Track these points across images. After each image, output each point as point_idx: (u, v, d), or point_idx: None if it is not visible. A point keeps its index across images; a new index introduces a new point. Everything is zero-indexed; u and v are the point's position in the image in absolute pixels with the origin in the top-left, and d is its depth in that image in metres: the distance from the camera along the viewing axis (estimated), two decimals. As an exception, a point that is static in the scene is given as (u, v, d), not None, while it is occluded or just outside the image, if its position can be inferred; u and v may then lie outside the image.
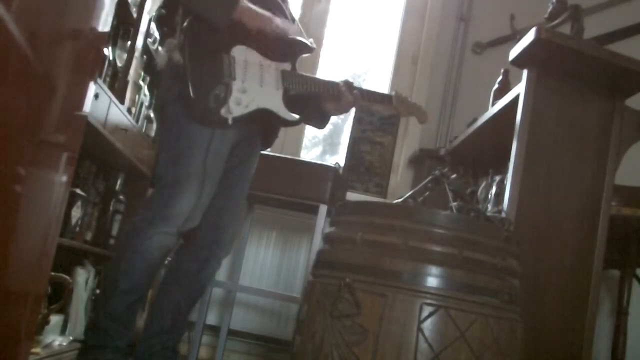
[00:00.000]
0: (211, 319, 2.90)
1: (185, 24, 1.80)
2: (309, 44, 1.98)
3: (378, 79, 3.59)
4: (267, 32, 1.82)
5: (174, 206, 1.78)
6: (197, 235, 1.92)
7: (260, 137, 2.02)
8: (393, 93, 2.00)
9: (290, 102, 1.91)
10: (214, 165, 1.83)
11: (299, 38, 1.98)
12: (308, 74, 1.97)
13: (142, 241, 1.77)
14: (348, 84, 1.95)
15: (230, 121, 1.77)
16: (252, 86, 1.84)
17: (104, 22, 1.18)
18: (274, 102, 1.88)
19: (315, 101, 2.00)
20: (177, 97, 1.80)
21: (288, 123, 1.94)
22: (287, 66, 1.93)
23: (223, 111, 1.76)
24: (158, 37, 2.66)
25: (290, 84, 1.90)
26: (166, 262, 2.01)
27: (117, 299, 1.77)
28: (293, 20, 2.05)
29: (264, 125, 1.97)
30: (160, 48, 2.65)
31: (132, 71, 2.48)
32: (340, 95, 1.94)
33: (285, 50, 1.93)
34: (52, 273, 1.85)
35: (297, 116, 1.92)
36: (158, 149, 1.94)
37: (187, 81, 1.74)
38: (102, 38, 1.30)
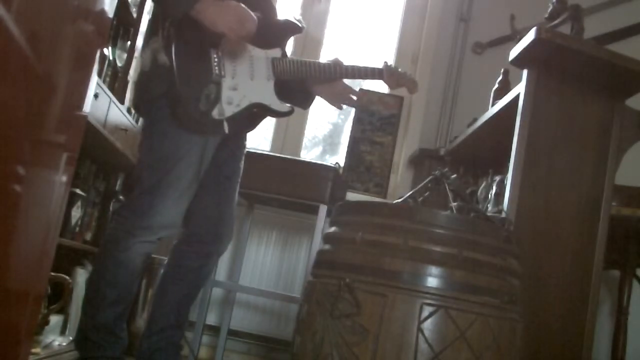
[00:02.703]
0: (211, 319, 2.90)
1: (168, 22, 1.72)
2: (297, 23, 1.93)
3: (378, 79, 3.59)
4: (222, 30, 1.66)
5: (155, 215, 1.73)
6: (198, 232, 1.90)
7: (248, 123, 1.96)
8: (382, 66, 1.96)
9: (279, 87, 1.86)
10: (202, 172, 1.79)
11: (287, 18, 1.93)
12: (297, 58, 1.91)
13: (122, 252, 1.74)
14: (339, 63, 1.91)
15: (226, 129, 1.72)
16: (243, 81, 1.78)
17: (104, 22, 1.18)
18: (266, 94, 1.82)
19: (303, 83, 1.96)
20: (163, 96, 1.72)
21: (281, 114, 1.90)
22: (277, 52, 1.86)
23: (215, 113, 1.71)
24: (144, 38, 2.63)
25: (281, 73, 1.84)
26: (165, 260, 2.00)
27: (105, 311, 1.74)
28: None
29: (253, 115, 1.91)
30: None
31: (132, 71, 2.48)
32: (331, 76, 1.90)
33: (274, 34, 1.88)
34: (52, 273, 1.85)
35: (289, 106, 1.88)
36: (140, 148, 1.86)
37: (175, 84, 1.67)
38: (102, 38, 1.30)
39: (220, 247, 1.96)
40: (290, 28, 1.93)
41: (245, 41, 1.75)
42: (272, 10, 1.92)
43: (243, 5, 1.68)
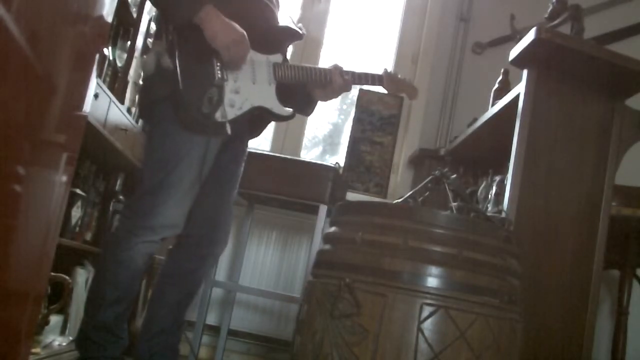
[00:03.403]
0: (211, 319, 2.90)
1: (171, 26, 1.74)
2: (298, 30, 1.94)
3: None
4: (218, 48, 1.71)
5: (157, 215, 1.74)
6: (194, 234, 1.91)
7: (250, 129, 1.98)
8: (382, 72, 1.97)
9: (281, 93, 1.88)
10: (204, 173, 1.80)
11: (288, 25, 1.95)
12: (298, 64, 1.93)
13: (124, 251, 1.74)
14: (338, 69, 1.92)
15: (228, 130, 1.73)
16: (245, 85, 1.80)
17: (104, 22, 1.18)
18: (268, 98, 1.85)
19: (304, 88, 1.97)
20: (166, 98, 1.74)
21: (282, 118, 1.92)
22: (278, 57, 1.89)
23: (217, 115, 1.72)
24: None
25: (282, 77, 1.86)
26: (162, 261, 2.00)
27: (105, 310, 1.74)
28: (279, 5, 2.00)
29: (256, 119, 1.93)
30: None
31: (132, 71, 2.48)
32: (331, 81, 1.90)
33: (275, 40, 1.90)
34: (52, 273, 1.85)
35: (290, 110, 1.89)
36: (144, 150, 1.88)
37: (179, 87, 1.68)
38: (102, 38, 1.30)
39: (216, 250, 1.96)
40: (290, 34, 1.95)
41: (237, 65, 1.78)
42: (273, 16, 1.93)
43: (244, 32, 1.72)
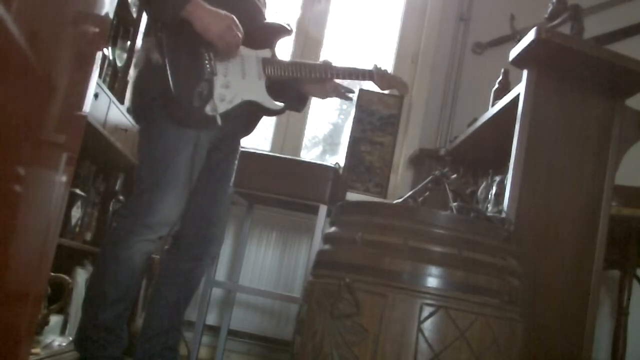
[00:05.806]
0: (211, 319, 2.90)
1: (160, 22, 1.75)
2: (286, 26, 1.96)
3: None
4: (212, 38, 1.72)
5: (155, 213, 1.75)
6: (189, 233, 1.91)
7: (242, 126, 1.99)
8: (372, 68, 1.97)
9: (272, 88, 1.89)
10: (197, 168, 1.81)
11: (276, 21, 1.96)
12: (288, 59, 1.95)
13: (124, 250, 1.75)
14: (328, 64, 1.93)
15: (219, 121, 1.74)
16: (235, 79, 1.81)
17: (104, 22, 1.18)
18: (258, 93, 1.86)
19: (295, 84, 1.98)
20: (158, 97, 1.75)
21: (273, 112, 1.93)
22: (267, 53, 1.90)
23: (208, 109, 1.73)
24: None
25: (271, 72, 1.88)
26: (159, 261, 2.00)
27: (105, 310, 1.75)
28: (265, 4, 2.02)
29: (247, 115, 1.93)
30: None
31: (131, 71, 2.48)
32: (321, 77, 1.92)
33: (263, 36, 1.91)
34: (52, 273, 1.85)
35: (281, 104, 1.90)
36: (139, 150, 1.89)
37: (169, 82, 1.69)
38: (102, 38, 1.30)
39: (210, 249, 1.97)
40: (278, 30, 1.96)
41: (232, 51, 1.78)
42: (259, 13, 1.95)
43: (233, 16, 1.73)
